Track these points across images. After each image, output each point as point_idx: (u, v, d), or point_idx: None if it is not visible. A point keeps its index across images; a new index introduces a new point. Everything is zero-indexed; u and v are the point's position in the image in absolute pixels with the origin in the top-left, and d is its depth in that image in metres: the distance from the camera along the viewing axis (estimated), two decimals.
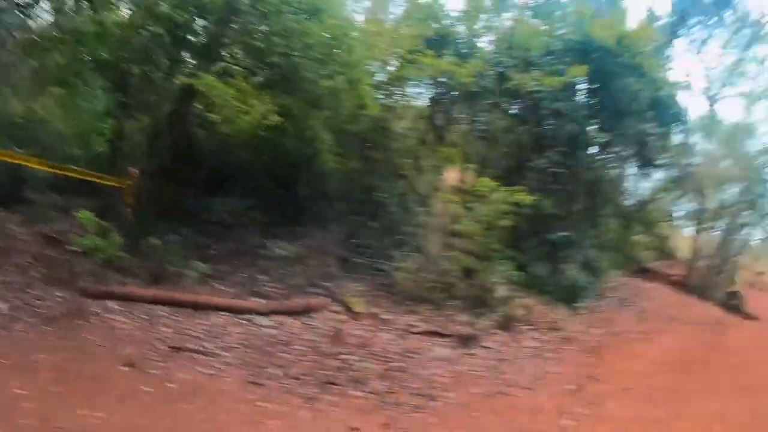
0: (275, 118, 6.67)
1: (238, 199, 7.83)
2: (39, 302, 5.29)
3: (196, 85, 6.14)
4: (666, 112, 11.50)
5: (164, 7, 5.95)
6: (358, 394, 5.10)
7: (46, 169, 6.92)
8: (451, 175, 13.66)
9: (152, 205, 7.36)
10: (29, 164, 6.90)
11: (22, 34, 8.70)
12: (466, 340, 6.56)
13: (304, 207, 9.00)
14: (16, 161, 6.91)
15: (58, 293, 5.51)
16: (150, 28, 5.98)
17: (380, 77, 9.60)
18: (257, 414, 4.45)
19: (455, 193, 9.42)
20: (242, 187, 8.11)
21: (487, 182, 8.21)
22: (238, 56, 7.61)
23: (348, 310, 6.63)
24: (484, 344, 6.64)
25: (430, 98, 11.93)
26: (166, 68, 6.90)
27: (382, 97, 9.74)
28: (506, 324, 7.31)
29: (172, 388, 4.47)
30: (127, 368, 4.60)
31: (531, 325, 7.64)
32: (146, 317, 5.47)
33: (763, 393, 5.61)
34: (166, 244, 6.36)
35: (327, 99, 7.44)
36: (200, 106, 7.60)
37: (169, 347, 5.04)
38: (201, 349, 5.15)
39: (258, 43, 6.98)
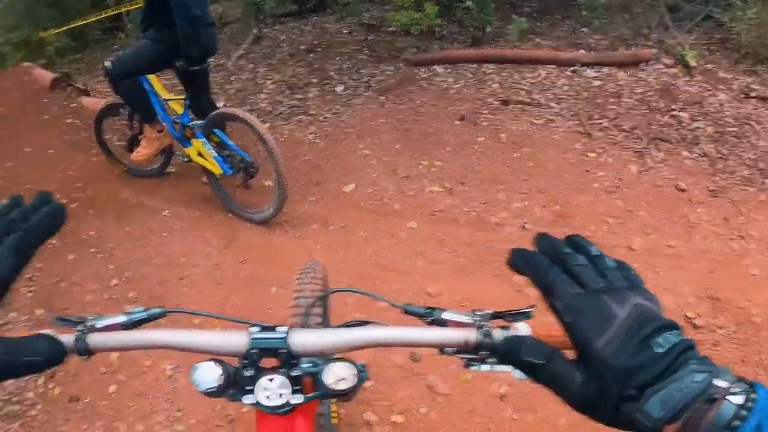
0: None
1: None
2: (371, 78, 6.02)
3: None
4: None
5: None
6: (688, 154, 4.68)
7: None
8: None
9: None
10: None
11: None
12: None
13: None
14: None
15: (386, 67, 6.15)
16: None
17: None
18: (585, 164, 4.51)
19: None
20: None
21: None
22: None
23: (679, 63, 5.84)
24: None
25: None
26: None
27: None
28: None
29: (503, 138, 4.76)
30: (460, 123, 5.01)
31: None
32: (472, 76, 5.73)
33: None
34: (477, 4, 6.33)
35: None
36: None
37: (498, 101, 5.25)
38: (529, 101, 5.23)
39: None
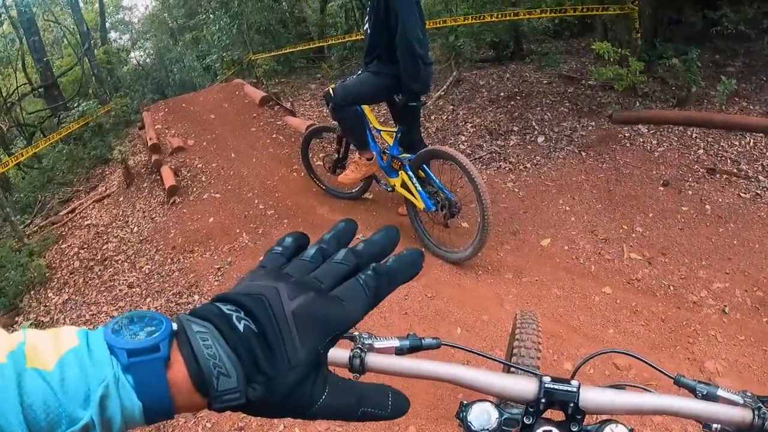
0: None
1: (746, 6, 6.52)
2: (572, 132, 6.06)
3: None
4: None
5: None
6: None
7: (546, 16, 7.46)
8: None
9: (653, 29, 7.12)
10: (530, 16, 7.52)
11: None
12: None
13: None
14: (517, 16, 7.58)
15: (588, 122, 6.15)
16: None
17: None
18: None
19: None
20: None
21: None
22: None
23: None
24: None
25: None
26: None
27: None
28: None
29: (708, 210, 4.60)
30: (663, 189, 4.92)
31: None
32: (677, 139, 5.58)
33: None
34: (682, 62, 6.11)
35: None
36: None
37: (703, 169, 5.09)
38: (736, 171, 5.02)
39: None
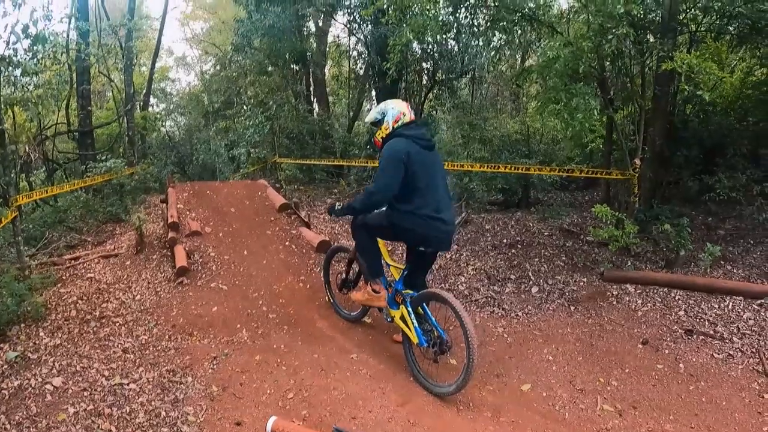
0: (761, 72, 6.17)
1: (739, 173, 7.33)
2: (564, 286, 6.62)
3: (668, 67, 6.15)
4: None
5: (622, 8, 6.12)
6: None
7: (555, 174, 8.25)
8: None
9: (652, 191, 7.84)
10: (541, 172, 8.35)
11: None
12: None
13: None
14: (529, 171, 8.48)
15: (580, 278, 6.71)
16: (614, 31, 6.20)
17: None
18: (760, 405, 4.52)
19: None
20: (741, 159, 7.64)
21: None
22: (698, 20, 7.36)
23: None
24: None
25: None
26: (636, 57, 7.21)
27: None
28: None
29: (681, 369, 5.00)
30: (642, 347, 5.36)
31: None
32: (660, 300, 6.07)
33: None
34: (674, 228, 6.67)
35: None
36: (679, 84, 7.49)
37: (682, 329, 5.53)
38: (713, 333, 5.45)
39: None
